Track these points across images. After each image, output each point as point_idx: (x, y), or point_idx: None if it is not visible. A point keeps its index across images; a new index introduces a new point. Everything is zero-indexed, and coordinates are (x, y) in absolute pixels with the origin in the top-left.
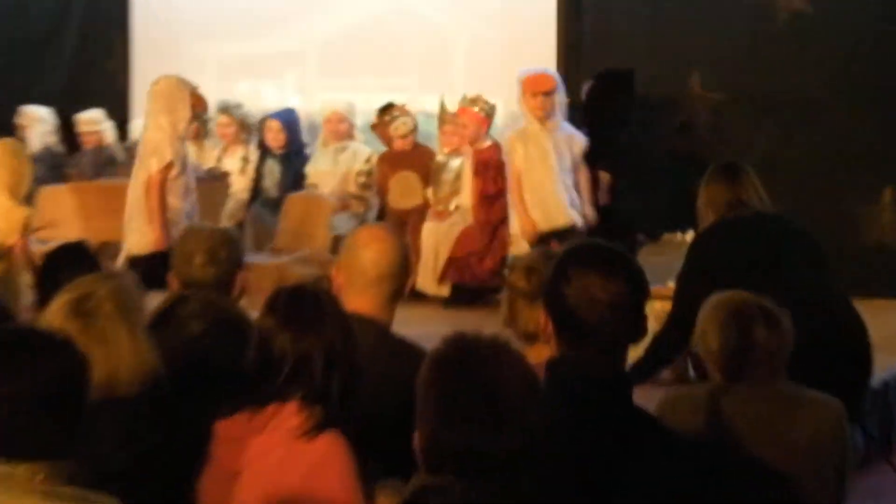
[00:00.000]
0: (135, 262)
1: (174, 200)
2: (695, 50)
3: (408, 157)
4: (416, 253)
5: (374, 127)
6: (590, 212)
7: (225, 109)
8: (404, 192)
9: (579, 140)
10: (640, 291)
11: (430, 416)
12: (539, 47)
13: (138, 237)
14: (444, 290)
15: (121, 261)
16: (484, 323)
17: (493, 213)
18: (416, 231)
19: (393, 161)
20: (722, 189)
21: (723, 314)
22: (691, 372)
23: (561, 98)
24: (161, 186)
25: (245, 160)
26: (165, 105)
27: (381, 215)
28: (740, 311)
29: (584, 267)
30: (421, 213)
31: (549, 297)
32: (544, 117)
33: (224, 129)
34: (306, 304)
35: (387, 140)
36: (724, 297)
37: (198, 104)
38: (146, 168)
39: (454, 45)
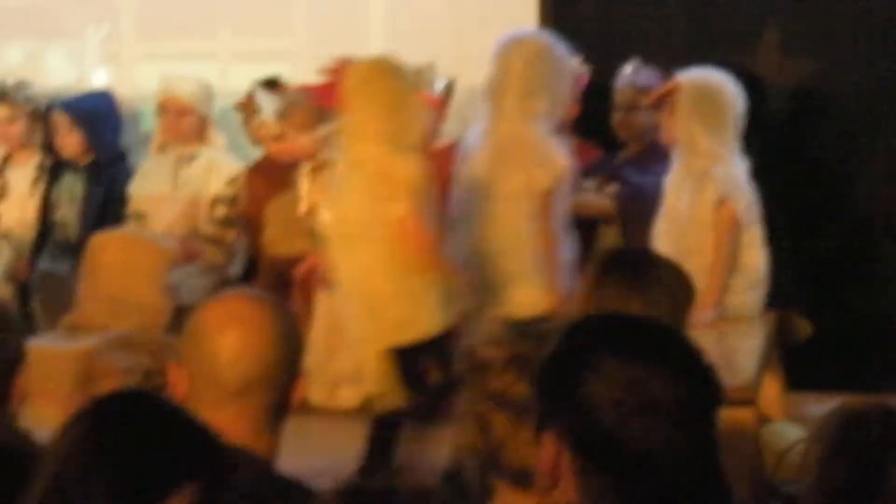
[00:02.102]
0: None
1: None
2: None
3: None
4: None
5: (241, 108)
6: None
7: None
8: (288, 228)
9: None
10: (713, 389)
11: None
12: None
13: None
14: (349, 397)
15: None
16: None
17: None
18: (307, 294)
19: (270, 176)
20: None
21: (832, 433)
22: None
23: None
24: None
25: (41, 175)
26: None
27: (251, 268)
28: (859, 427)
29: (624, 352)
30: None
31: (564, 409)
32: None
33: (3, 127)
34: (130, 426)
35: (260, 139)
36: (839, 408)
37: None
38: None
39: None
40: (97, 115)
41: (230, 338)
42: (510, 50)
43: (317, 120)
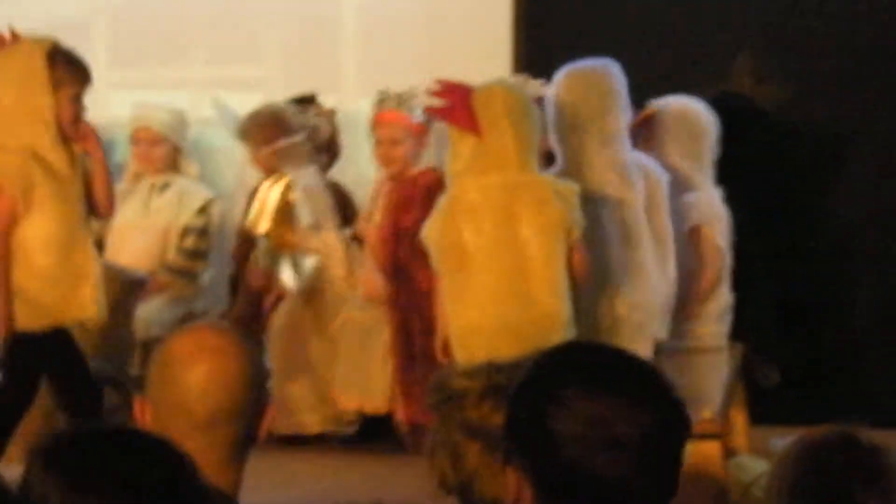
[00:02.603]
0: None
1: None
2: None
3: None
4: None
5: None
6: None
7: None
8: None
9: None
10: (681, 424)
11: None
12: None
13: None
14: (311, 423)
15: None
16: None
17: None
18: None
19: None
20: None
21: (794, 464)
22: None
23: None
24: None
25: None
26: None
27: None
28: (820, 456)
29: (590, 385)
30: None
31: (527, 443)
32: None
33: None
34: (96, 457)
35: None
36: (799, 438)
37: None
38: None
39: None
40: None
41: (199, 370)
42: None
43: (277, 135)
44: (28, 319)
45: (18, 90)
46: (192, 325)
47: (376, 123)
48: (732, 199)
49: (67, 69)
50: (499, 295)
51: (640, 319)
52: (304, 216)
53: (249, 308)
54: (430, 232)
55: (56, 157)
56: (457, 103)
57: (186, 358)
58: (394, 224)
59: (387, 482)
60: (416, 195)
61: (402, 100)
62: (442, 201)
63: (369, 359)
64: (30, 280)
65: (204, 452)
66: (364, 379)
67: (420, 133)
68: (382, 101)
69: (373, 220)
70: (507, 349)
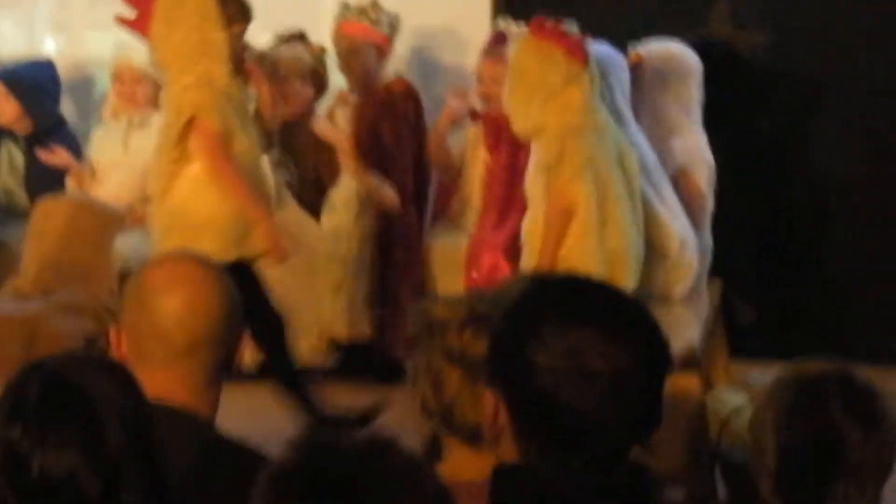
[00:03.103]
0: None
1: None
2: None
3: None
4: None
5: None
6: None
7: None
8: None
9: None
10: (659, 358)
11: None
12: None
13: None
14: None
15: None
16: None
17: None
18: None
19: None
20: None
21: (787, 397)
22: (721, 489)
23: None
24: None
25: None
26: None
27: None
28: (816, 392)
29: (568, 319)
30: None
31: (505, 371)
32: None
33: None
34: (73, 391)
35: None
36: (792, 371)
37: None
38: None
39: None
40: (34, 83)
41: (177, 298)
42: None
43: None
44: (218, 251)
45: (193, 27)
46: (165, 255)
47: (336, 35)
48: (712, 144)
49: (237, 7)
50: None
51: None
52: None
53: None
54: None
55: (234, 90)
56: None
57: (163, 287)
58: (374, 139)
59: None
60: (390, 106)
61: (362, 11)
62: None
63: (339, 289)
64: (219, 212)
65: (182, 379)
66: (345, 308)
67: (382, 43)
68: (343, 13)
69: (335, 122)
70: None
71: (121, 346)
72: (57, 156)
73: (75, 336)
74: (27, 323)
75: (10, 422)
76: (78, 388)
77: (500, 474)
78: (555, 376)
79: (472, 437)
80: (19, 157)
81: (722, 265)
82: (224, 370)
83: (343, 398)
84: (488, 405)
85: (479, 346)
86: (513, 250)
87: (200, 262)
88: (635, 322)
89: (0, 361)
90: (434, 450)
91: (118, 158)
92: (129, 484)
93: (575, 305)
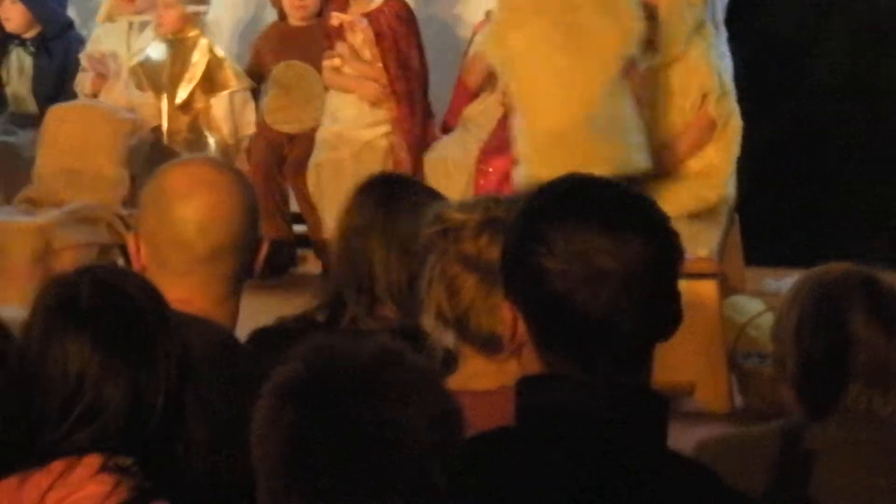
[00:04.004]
0: None
1: None
2: None
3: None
4: (307, 202)
5: None
6: None
7: None
8: (294, 102)
9: None
10: (671, 256)
11: (270, 480)
12: None
13: None
14: None
15: None
16: None
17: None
18: (301, 170)
19: (281, 42)
20: None
21: (810, 302)
22: (737, 397)
23: None
24: None
25: None
26: None
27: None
28: (839, 296)
29: (573, 220)
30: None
31: (518, 280)
32: None
33: None
34: (98, 299)
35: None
36: (814, 275)
37: None
38: None
39: None
40: None
41: (198, 203)
42: None
43: None
44: None
45: None
46: (182, 159)
47: None
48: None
49: None
50: None
51: None
52: None
53: (267, 153)
54: None
55: None
56: None
57: (182, 192)
58: (398, 58)
59: None
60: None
61: None
62: None
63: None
64: None
65: (203, 286)
66: None
67: None
68: None
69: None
70: None
71: (138, 257)
72: (99, 62)
73: (90, 246)
74: (40, 232)
75: (31, 325)
76: (109, 289)
77: (525, 384)
78: (566, 280)
79: (487, 345)
80: (28, 63)
81: (739, 172)
82: (243, 278)
83: None
84: (507, 317)
85: (495, 251)
86: None
87: (220, 165)
88: (641, 217)
89: (13, 271)
90: (448, 361)
91: (123, 62)
92: (161, 394)
93: (578, 206)
